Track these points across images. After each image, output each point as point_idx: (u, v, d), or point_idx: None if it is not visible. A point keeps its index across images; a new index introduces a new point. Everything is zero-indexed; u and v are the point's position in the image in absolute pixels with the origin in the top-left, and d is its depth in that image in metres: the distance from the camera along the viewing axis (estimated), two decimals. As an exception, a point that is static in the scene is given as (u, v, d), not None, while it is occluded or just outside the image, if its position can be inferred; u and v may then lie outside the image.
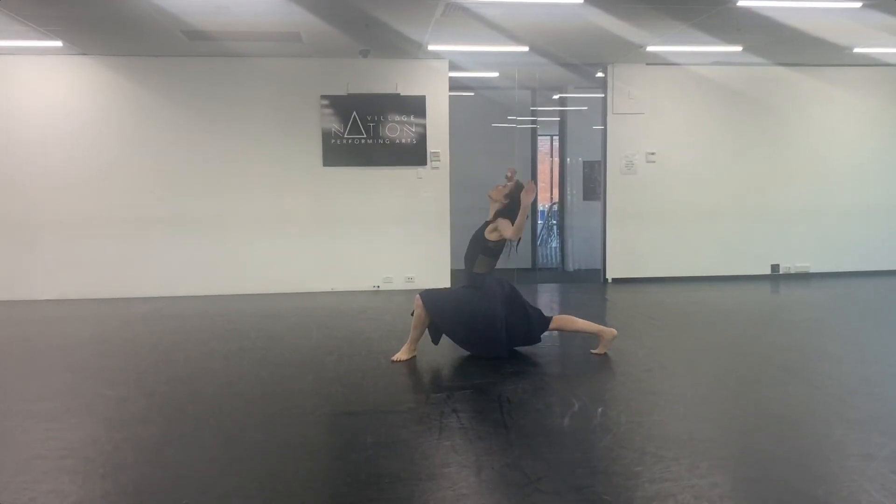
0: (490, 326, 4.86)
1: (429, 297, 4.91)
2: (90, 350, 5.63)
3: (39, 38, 7.21)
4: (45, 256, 8.15)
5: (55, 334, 6.30)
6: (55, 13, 6.35)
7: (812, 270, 9.30)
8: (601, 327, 5.13)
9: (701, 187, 9.10)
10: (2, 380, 4.79)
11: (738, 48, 7.99)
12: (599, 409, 3.85)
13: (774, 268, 9.30)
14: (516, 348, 5.11)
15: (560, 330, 5.16)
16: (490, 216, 4.99)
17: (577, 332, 5.21)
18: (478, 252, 4.99)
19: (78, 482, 2.98)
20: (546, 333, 5.15)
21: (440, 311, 4.89)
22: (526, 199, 4.65)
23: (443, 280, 8.45)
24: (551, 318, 5.07)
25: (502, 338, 4.90)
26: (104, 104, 8.17)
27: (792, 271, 9.30)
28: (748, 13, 6.43)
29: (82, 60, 8.09)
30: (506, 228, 4.80)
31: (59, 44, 7.43)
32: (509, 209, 4.87)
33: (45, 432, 3.64)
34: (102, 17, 6.53)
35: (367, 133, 8.45)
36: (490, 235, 4.92)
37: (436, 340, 5.08)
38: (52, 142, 8.09)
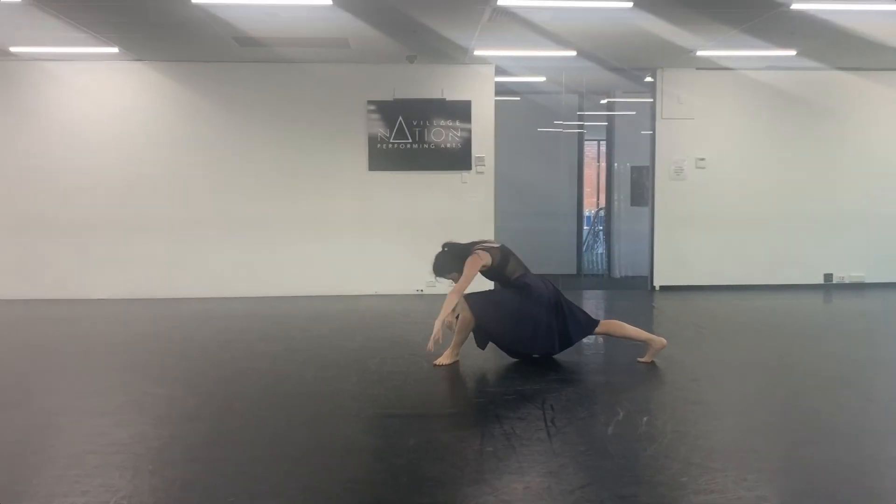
0: (537, 326, 4.80)
1: (475, 300, 4.87)
2: (141, 349, 5.76)
3: (97, 45, 7.44)
4: (99, 257, 8.37)
5: (107, 333, 6.46)
6: (112, 20, 6.54)
7: (867, 280, 9.02)
8: (651, 335, 5.03)
9: (752, 194, 8.92)
10: (56, 376, 4.93)
11: (793, 52, 7.82)
12: (644, 419, 3.80)
13: (828, 277, 9.06)
14: (558, 356, 5.06)
15: (608, 335, 5.07)
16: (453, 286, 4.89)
17: (625, 339, 5.11)
18: (496, 276, 4.96)
19: (127, 477, 3.05)
20: (591, 339, 5.07)
21: (487, 315, 4.85)
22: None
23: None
24: (598, 321, 5.00)
25: (551, 336, 4.84)
26: (157, 108, 8.38)
27: (846, 281, 9.04)
28: (803, 16, 6.29)
29: (137, 66, 8.31)
30: (472, 260, 4.79)
31: (115, 50, 7.64)
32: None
33: (97, 428, 3.73)
34: (157, 24, 6.70)
35: (412, 138, 8.50)
36: (469, 272, 4.80)
37: (482, 345, 5.05)
38: (107, 145, 8.32)
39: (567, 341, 4.94)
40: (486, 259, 4.83)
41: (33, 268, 8.33)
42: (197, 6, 5.99)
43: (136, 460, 3.25)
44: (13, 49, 7.57)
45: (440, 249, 5.00)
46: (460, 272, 4.81)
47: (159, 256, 8.41)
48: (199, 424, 3.79)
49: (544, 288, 4.87)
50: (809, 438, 3.55)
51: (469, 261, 4.79)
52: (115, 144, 8.33)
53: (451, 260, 4.92)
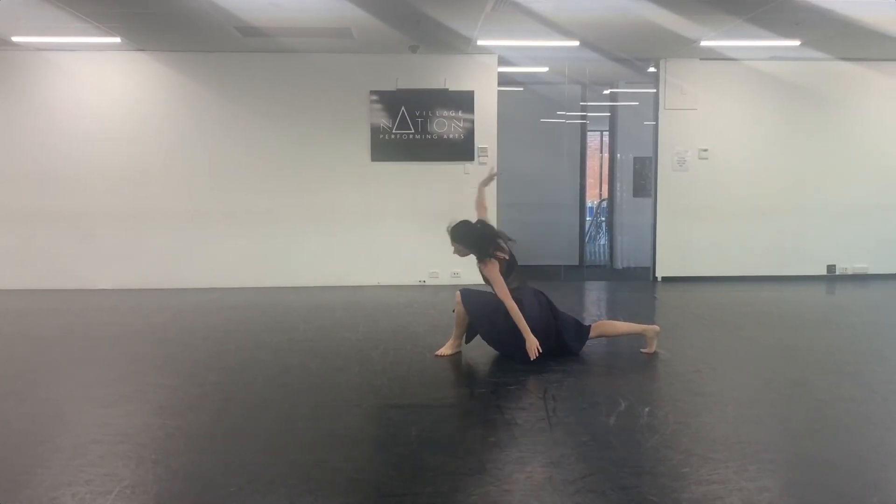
0: (519, 333, 4.81)
1: (467, 294, 4.90)
2: (145, 339, 5.77)
3: (99, 35, 7.42)
4: (103, 247, 8.39)
5: (112, 323, 6.48)
6: (114, 10, 6.53)
7: (870, 272, 9.02)
8: (644, 326, 5.07)
9: (755, 184, 8.90)
10: (61, 366, 4.96)
11: (797, 42, 7.78)
12: (646, 410, 3.81)
13: (830, 268, 9.05)
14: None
15: (603, 336, 5.08)
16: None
17: (620, 335, 5.13)
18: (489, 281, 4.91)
19: (131, 467, 3.06)
20: (589, 341, 5.04)
21: (476, 310, 4.86)
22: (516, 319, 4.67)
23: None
24: (590, 326, 5.01)
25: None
26: (160, 99, 8.37)
27: (849, 272, 9.03)
28: (808, 6, 6.26)
29: (139, 56, 8.29)
30: (490, 270, 4.74)
31: (117, 40, 7.63)
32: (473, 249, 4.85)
33: (101, 418, 3.75)
34: (159, 14, 6.68)
35: (415, 128, 8.49)
36: (485, 273, 4.83)
37: (468, 339, 5.05)
38: (110, 135, 8.32)
39: (564, 350, 4.90)
40: (498, 267, 4.80)
41: (37, 258, 8.35)
42: (199, -4, 5.98)
43: (139, 450, 3.26)
44: (15, 39, 7.56)
45: (460, 222, 4.90)
46: (466, 251, 4.83)
47: (163, 246, 8.42)
48: (203, 415, 3.80)
49: (537, 304, 4.83)
50: (812, 429, 3.56)
51: (492, 268, 4.75)
52: (117, 134, 8.33)
53: (467, 240, 4.85)
